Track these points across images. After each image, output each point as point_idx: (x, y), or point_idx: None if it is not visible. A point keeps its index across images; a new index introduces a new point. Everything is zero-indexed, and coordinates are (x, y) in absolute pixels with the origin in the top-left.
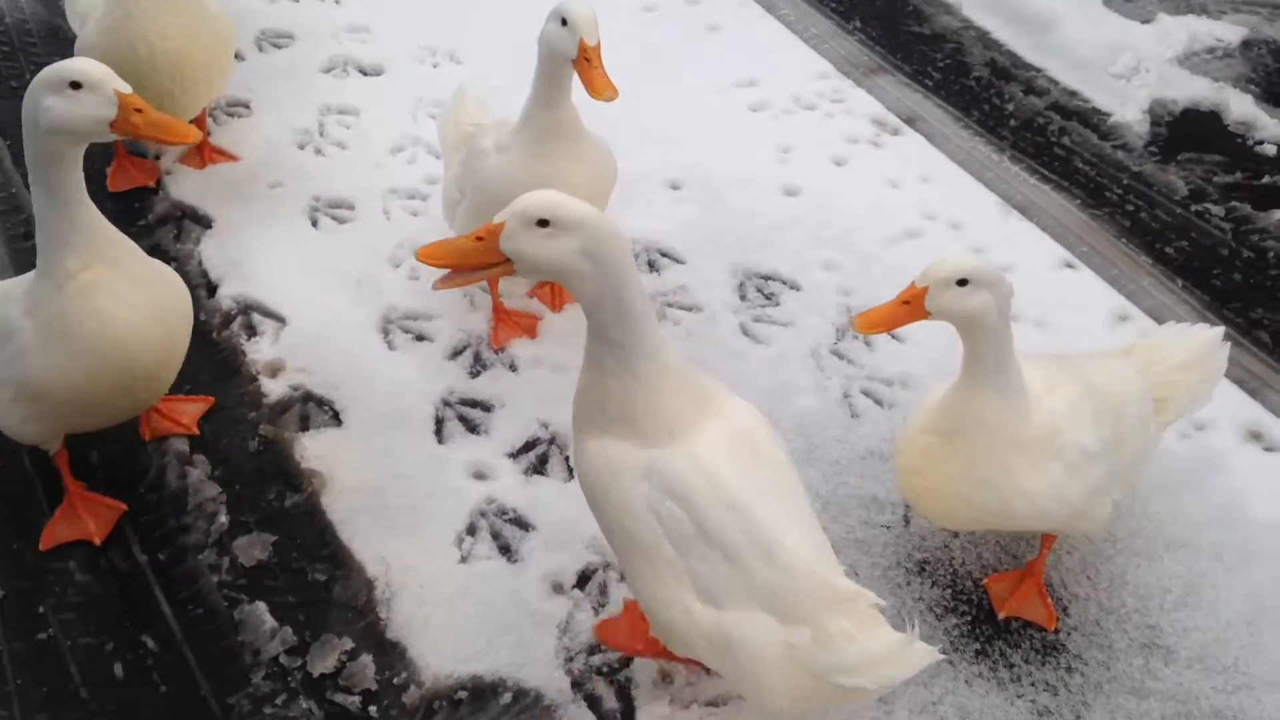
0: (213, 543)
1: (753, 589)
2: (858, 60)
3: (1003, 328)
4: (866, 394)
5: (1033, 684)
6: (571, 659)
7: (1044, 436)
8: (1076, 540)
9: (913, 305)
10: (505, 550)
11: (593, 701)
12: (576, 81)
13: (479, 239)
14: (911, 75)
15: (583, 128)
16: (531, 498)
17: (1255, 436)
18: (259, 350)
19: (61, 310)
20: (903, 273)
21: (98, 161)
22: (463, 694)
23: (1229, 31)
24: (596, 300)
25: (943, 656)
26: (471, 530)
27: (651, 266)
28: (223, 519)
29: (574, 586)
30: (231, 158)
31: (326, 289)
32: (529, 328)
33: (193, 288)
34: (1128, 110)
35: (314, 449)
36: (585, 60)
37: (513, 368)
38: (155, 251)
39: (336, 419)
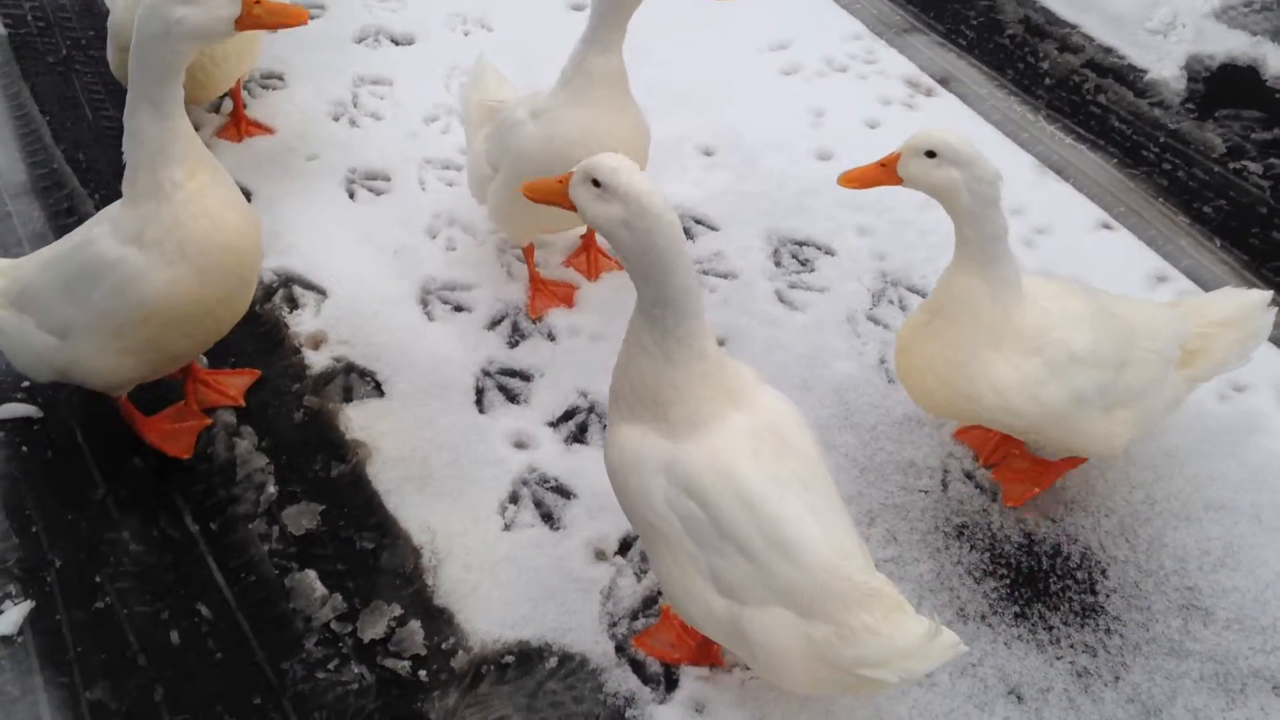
0: (262, 512)
1: (771, 585)
2: (890, 20)
3: (979, 212)
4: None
5: (1071, 646)
6: (615, 624)
7: (1029, 334)
8: (1116, 502)
9: (888, 169)
10: (548, 518)
11: (636, 665)
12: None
13: (560, 181)
14: (945, 34)
15: (628, 81)
16: (572, 466)
17: None
18: (301, 323)
19: (175, 219)
20: (936, 235)
21: None
22: (509, 658)
23: None
24: (637, 272)
25: (965, 650)
26: (514, 498)
27: (687, 234)
28: (271, 489)
29: (616, 553)
30: (268, 130)
31: (365, 261)
32: (566, 297)
33: None
34: (1164, 67)
35: (358, 419)
36: None
37: (551, 337)
38: None
39: (379, 390)
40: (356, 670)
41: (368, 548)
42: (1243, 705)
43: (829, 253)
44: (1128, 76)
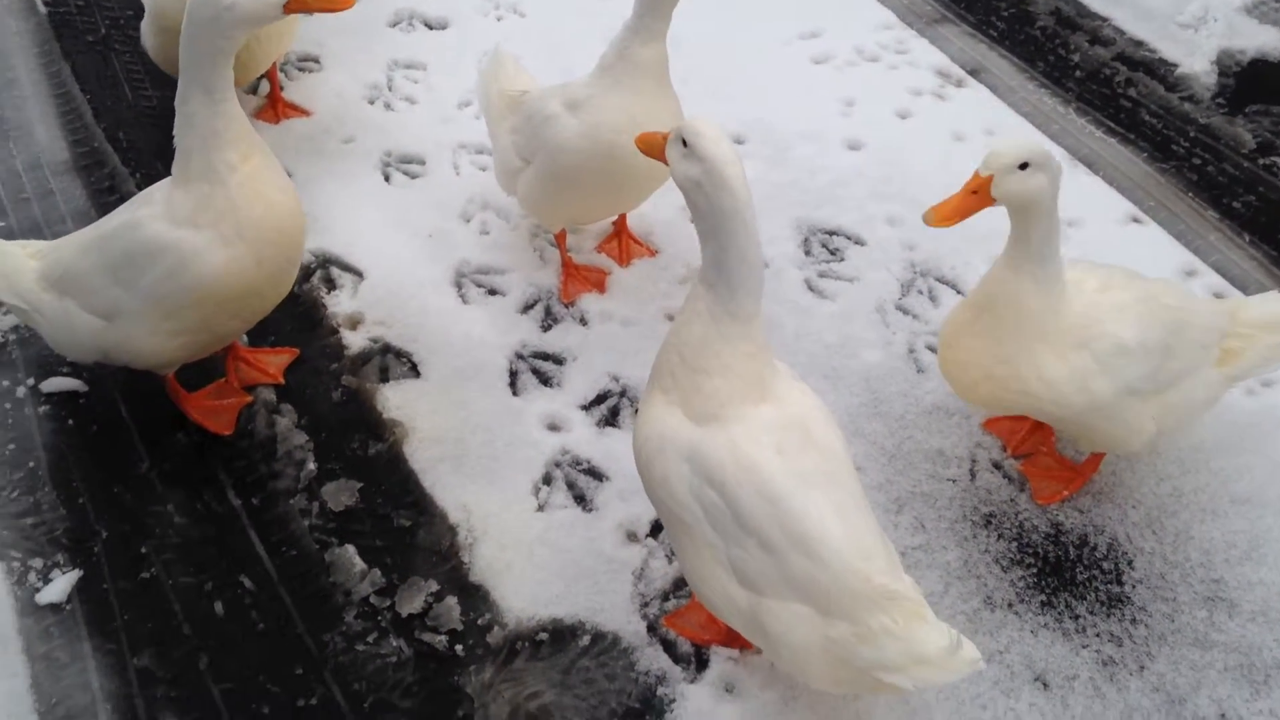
0: (302, 488)
1: (790, 580)
2: (921, 10)
3: (1054, 208)
4: (931, 349)
5: (1097, 635)
6: (647, 604)
7: (1077, 326)
8: (1143, 494)
9: (980, 194)
10: (580, 499)
11: (667, 645)
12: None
13: (663, 137)
14: (975, 25)
15: (669, 70)
16: (604, 449)
17: None
18: (339, 303)
19: (231, 201)
20: (966, 227)
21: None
22: (543, 635)
23: None
24: (705, 234)
25: (984, 666)
26: (547, 480)
27: None
28: (311, 466)
29: (647, 535)
30: (304, 112)
31: (401, 243)
32: (598, 282)
33: None
34: (1195, 61)
35: (395, 399)
36: None
37: (583, 322)
38: None
39: (415, 370)
40: (395, 643)
41: (405, 525)
42: (1267, 696)
43: (859, 242)
44: (1158, 70)
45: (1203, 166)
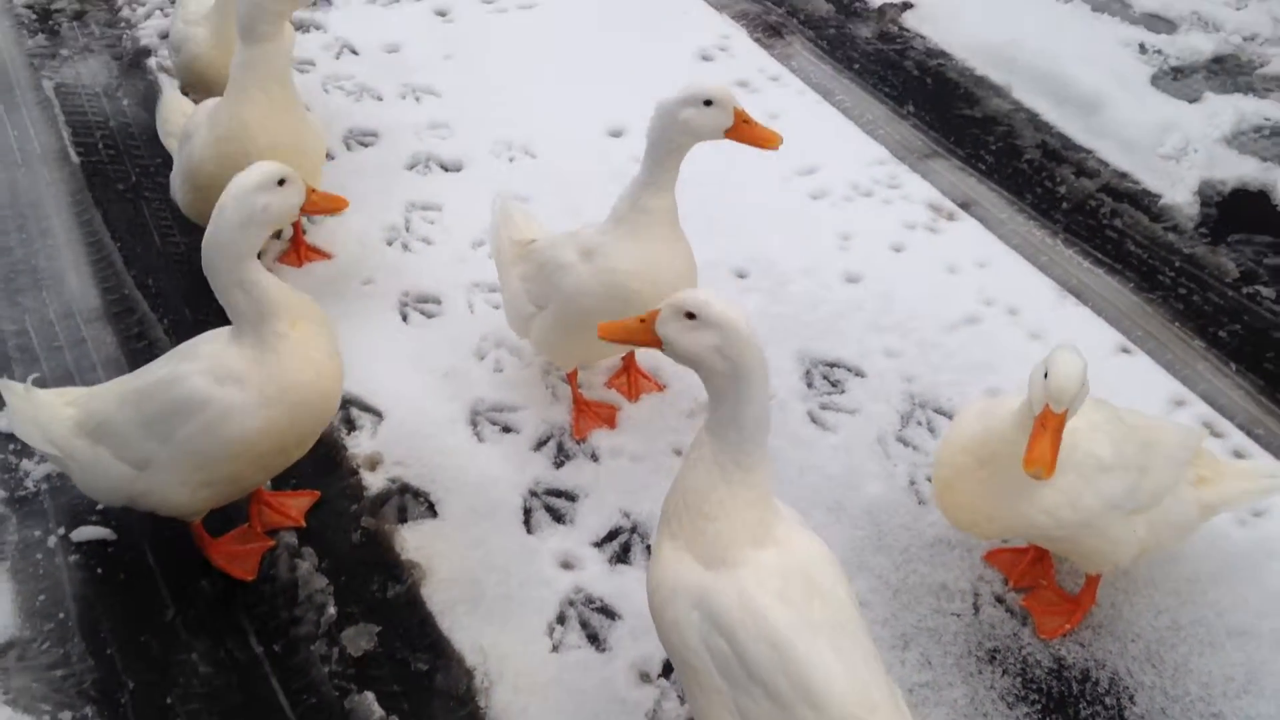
0: (322, 633)
1: None
2: (912, 145)
3: None
4: (931, 480)
5: None
6: None
7: (1063, 454)
8: (1142, 627)
9: (1061, 428)
10: (594, 639)
11: None
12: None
13: (642, 320)
14: (965, 159)
15: (678, 217)
16: (616, 586)
17: None
18: (359, 444)
19: (280, 366)
20: (962, 357)
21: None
22: None
23: (1276, 110)
24: (720, 395)
25: None
26: (561, 619)
27: None
28: (331, 610)
29: (660, 675)
30: (326, 256)
31: (419, 382)
32: (609, 418)
33: None
34: (1177, 192)
35: (413, 540)
36: (744, 123)
37: (594, 458)
38: None
39: (432, 510)
40: None
41: (423, 669)
42: None
43: (859, 374)
44: (1142, 201)
45: (1188, 296)
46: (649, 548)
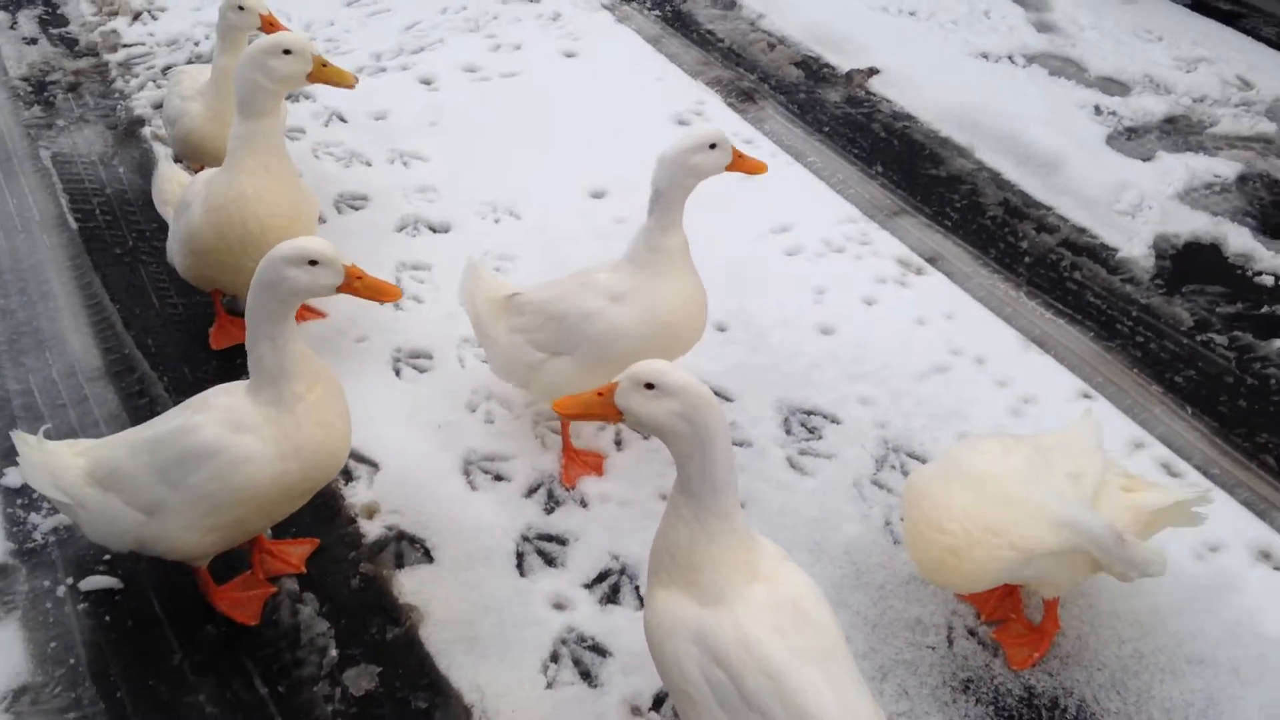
0: (325, 675)
1: None
2: (881, 203)
3: None
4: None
5: None
6: None
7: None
8: (1107, 656)
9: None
10: (586, 676)
11: None
12: None
13: (600, 394)
14: (931, 216)
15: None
16: (607, 625)
17: (1265, 556)
18: (356, 494)
19: (297, 425)
20: (932, 405)
21: (200, 322)
22: None
23: (1225, 167)
24: (687, 456)
25: None
26: (555, 658)
27: None
28: (332, 652)
29: (650, 709)
30: (320, 315)
31: (412, 435)
32: (596, 465)
33: None
34: (1134, 245)
35: (410, 585)
36: (740, 157)
37: (583, 504)
38: None
39: (428, 556)
40: None
41: (422, 707)
42: None
43: (834, 421)
44: (1100, 255)
45: (1145, 344)
46: (637, 588)
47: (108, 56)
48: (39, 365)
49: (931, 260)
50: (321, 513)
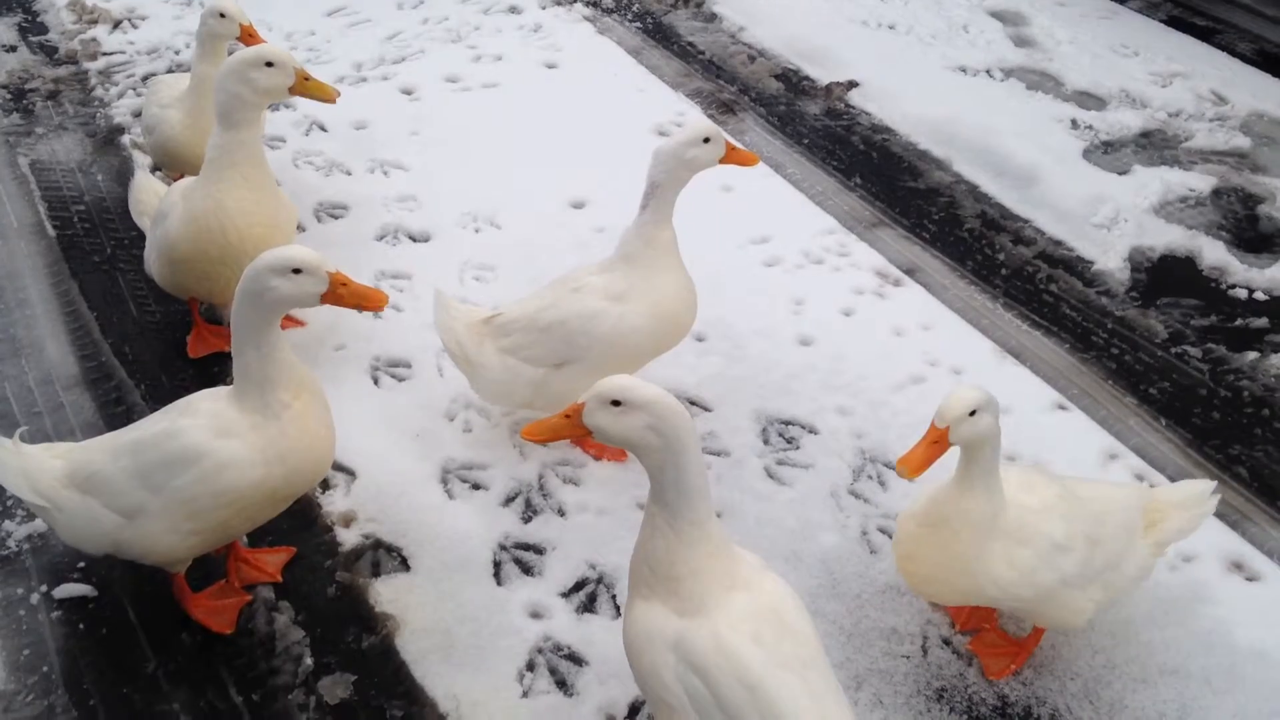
0: (300, 683)
1: None
2: (860, 215)
3: (998, 438)
4: (883, 531)
5: None
6: None
7: (1014, 527)
8: (1080, 666)
9: (940, 443)
10: (562, 684)
11: None
12: None
13: (567, 416)
14: (909, 228)
15: None
16: (583, 635)
17: (1237, 567)
18: (333, 502)
19: (282, 432)
20: (909, 416)
21: (178, 330)
22: None
23: (1200, 181)
24: (659, 467)
25: None
26: (531, 666)
27: None
28: (308, 660)
29: (626, 718)
30: (299, 323)
31: (390, 443)
32: (619, 453)
33: None
34: (1109, 258)
35: (386, 593)
36: (732, 150)
37: (561, 513)
38: None
39: (405, 565)
40: None
41: (397, 715)
42: None
43: (812, 431)
44: (1076, 267)
45: (1120, 356)
46: (614, 597)
47: (87, 64)
48: (15, 373)
49: (909, 272)
50: (298, 521)
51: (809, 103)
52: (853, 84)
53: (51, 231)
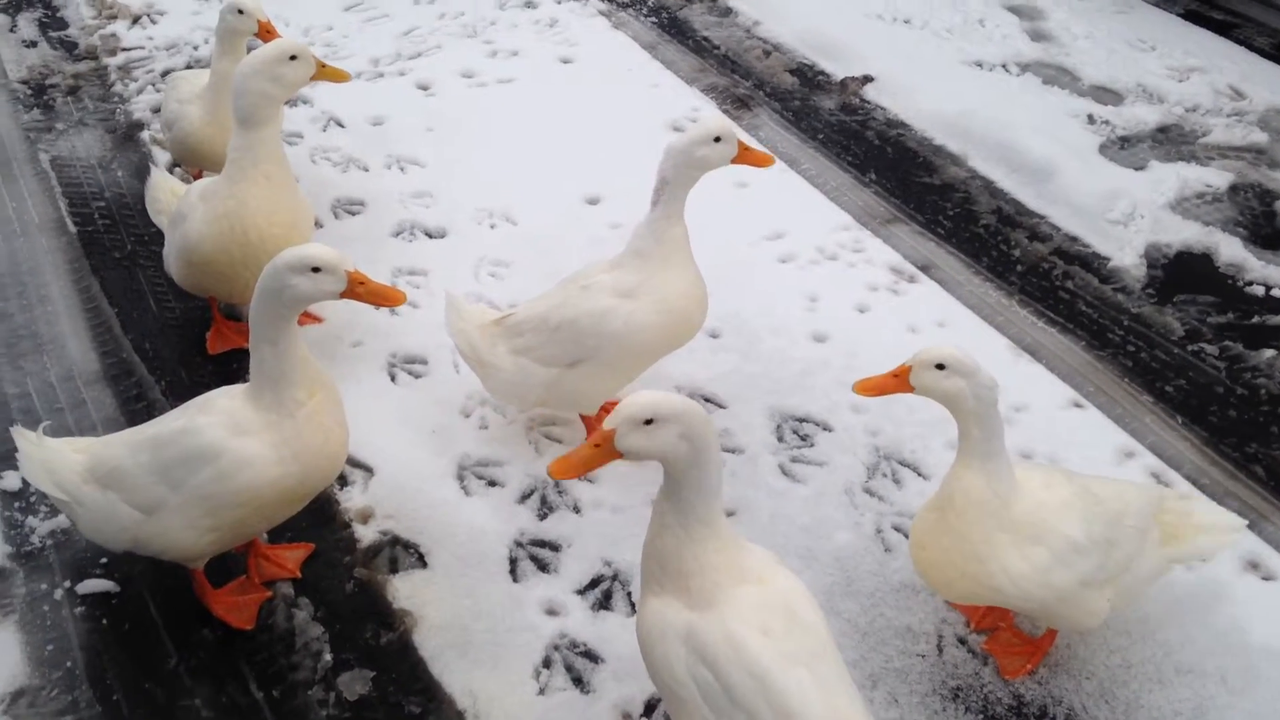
0: (319, 679)
1: None
2: (875, 211)
3: (983, 414)
4: (897, 529)
5: None
6: None
7: (1029, 522)
8: (1096, 665)
9: (900, 379)
10: (578, 681)
11: None
12: None
13: (596, 445)
14: (924, 224)
15: None
16: (599, 632)
17: (1254, 566)
18: (351, 499)
19: (296, 430)
20: (924, 413)
21: (197, 327)
22: None
23: (1217, 177)
24: (685, 471)
25: None
26: (547, 663)
27: None
28: (327, 656)
29: (641, 715)
30: (317, 320)
31: (407, 440)
32: None
33: None
34: (1125, 255)
35: (404, 590)
36: (745, 150)
37: (576, 510)
38: None
39: (422, 561)
40: None
41: (415, 712)
42: None
43: (827, 429)
44: (1092, 264)
45: (1136, 353)
46: (630, 594)
47: (107, 60)
48: (37, 368)
49: (924, 268)
50: (317, 518)
51: (824, 98)
52: (868, 79)
53: (72, 228)
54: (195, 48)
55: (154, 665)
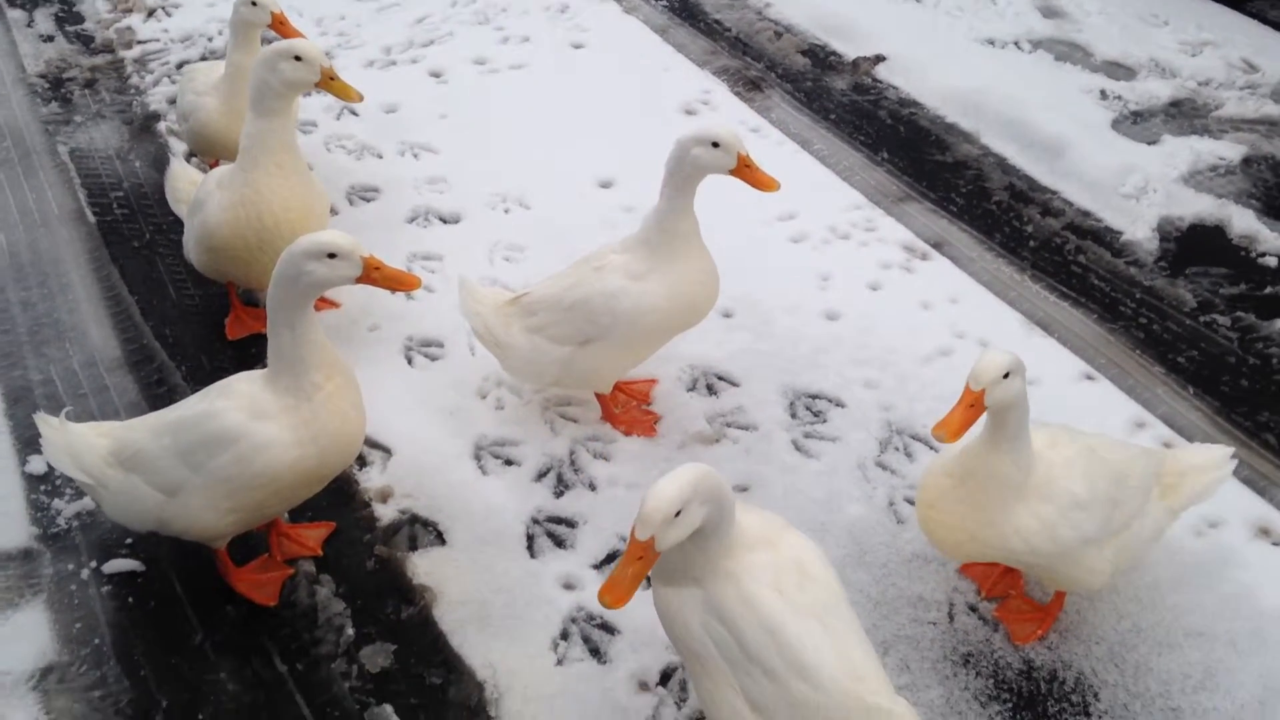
0: (342, 653)
1: (793, 704)
2: (887, 190)
3: (1022, 402)
4: (909, 501)
5: None
6: None
7: (1041, 483)
8: (1105, 630)
9: (976, 406)
10: (595, 652)
11: None
12: None
13: (639, 559)
14: (937, 202)
15: None
16: None
17: (1264, 532)
18: (370, 479)
19: (314, 413)
20: (936, 388)
21: (216, 313)
22: None
23: (1230, 150)
24: (703, 534)
25: None
26: (565, 635)
27: (710, 390)
28: (349, 631)
29: (658, 684)
30: (334, 305)
31: (424, 421)
32: (646, 429)
33: None
34: (1138, 228)
35: (424, 566)
36: (746, 167)
37: (592, 487)
38: None
39: (441, 539)
40: None
41: (437, 683)
42: None
43: (839, 405)
44: (1105, 238)
45: (1148, 325)
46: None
47: (123, 53)
48: (60, 355)
49: (937, 245)
50: (337, 497)
51: (836, 78)
52: (880, 58)
53: (91, 218)
54: (210, 40)
55: (180, 641)
